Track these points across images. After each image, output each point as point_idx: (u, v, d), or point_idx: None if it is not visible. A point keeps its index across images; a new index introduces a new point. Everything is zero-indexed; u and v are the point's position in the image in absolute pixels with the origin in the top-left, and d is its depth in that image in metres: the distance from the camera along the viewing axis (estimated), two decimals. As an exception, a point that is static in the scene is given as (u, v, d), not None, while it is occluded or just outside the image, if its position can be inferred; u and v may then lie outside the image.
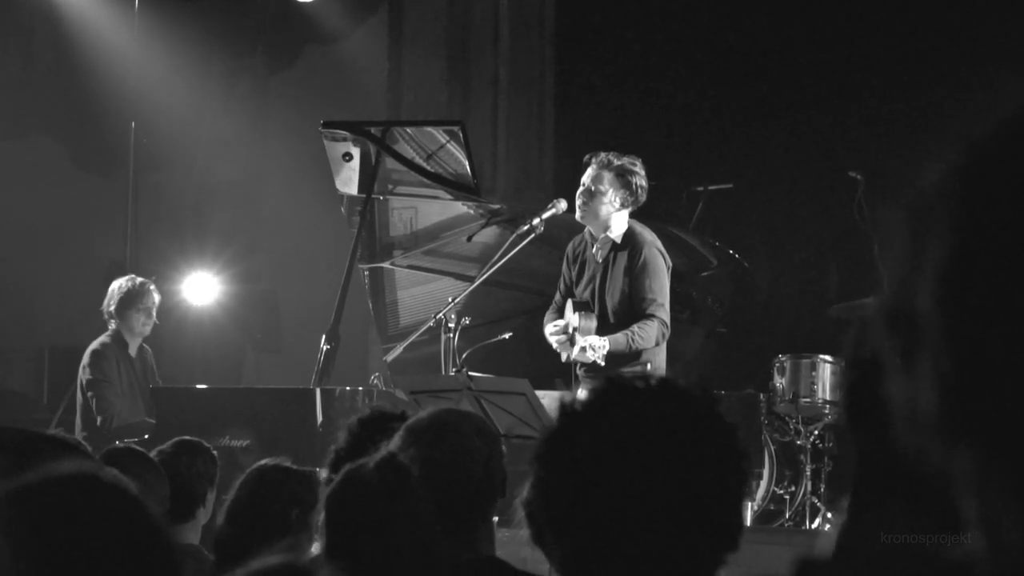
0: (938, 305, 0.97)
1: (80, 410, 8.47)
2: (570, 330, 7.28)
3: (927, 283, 0.97)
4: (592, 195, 7.24)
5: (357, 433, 3.60)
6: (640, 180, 7.25)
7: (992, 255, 0.95)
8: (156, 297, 8.70)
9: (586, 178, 7.28)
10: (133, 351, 8.64)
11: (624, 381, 2.03)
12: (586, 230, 7.43)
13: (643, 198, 7.29)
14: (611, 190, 7.22)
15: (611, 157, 7.26)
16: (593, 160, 7.29)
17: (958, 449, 0.98)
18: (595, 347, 6.94)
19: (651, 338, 7.09)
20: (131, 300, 8.59)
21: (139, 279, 8.73)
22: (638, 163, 7.28)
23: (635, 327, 7.08)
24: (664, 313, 7.15)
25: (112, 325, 8.63)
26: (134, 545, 1.42)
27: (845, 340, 2.03)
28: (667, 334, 7.18)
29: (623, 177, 7.23)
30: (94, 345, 8.56)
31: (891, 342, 1.01)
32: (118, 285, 8.66)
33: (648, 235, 7.32)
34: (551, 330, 7.34)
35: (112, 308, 8.60)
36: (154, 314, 8.69)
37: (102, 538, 1.41)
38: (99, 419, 8.26)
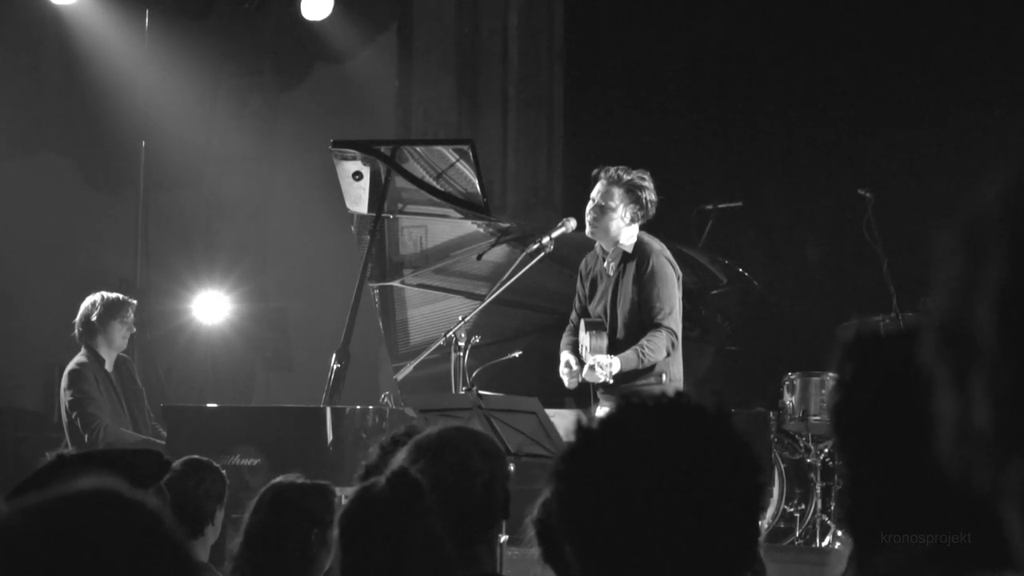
0: (998, 322, 0.98)
1: (67, 431, 8.31)
2: (581, 350, 7.27)
3: (986, 300, 0.98)
4: (603, 211, 7.23)
5: (390, 451, 3.58)
6: (650, 194, 7.24)
7: None
8: (133, 313, 8.59)
9: (595, 194, 7.26)
10: (110, 367, 8.46)
11: (640, 398, 2.04)
12: (597, 245, 7.43)
13: (653, 212, 7.29)
14: (621, 206, 7.21)
15: (620, 172, 7.25)
16: (602, 175, 7.28)
17: (1012, 463, 0.99)
18: (603, 365, 6.95)
19: (660, 349, 7.08)
20: (116, 311, 8.41)
21: (114, 293, 8.58)
22: (647, 177, 7.27)
23: (644, 341, 7.07)
24: (672, 321, 7.14)
25: (83, 345, 8.41)
26: (154, 562, 1.43)
27: (833, 361, 2.04)
28: (676, 342, 7.16)
29: (633, 192, 7.22)
30: (71, 366, 8.36)
31: (944, 358, 1.02)
32: (100, 297, 8.45)
33: (656, 244, 7.32)
34: (563, 369, 7.32)
35: (95, 318, 8.38)
36: (133, 328, 8.55)
37: (123, 554, 1.41)
38: (86, 436, 8.16)
